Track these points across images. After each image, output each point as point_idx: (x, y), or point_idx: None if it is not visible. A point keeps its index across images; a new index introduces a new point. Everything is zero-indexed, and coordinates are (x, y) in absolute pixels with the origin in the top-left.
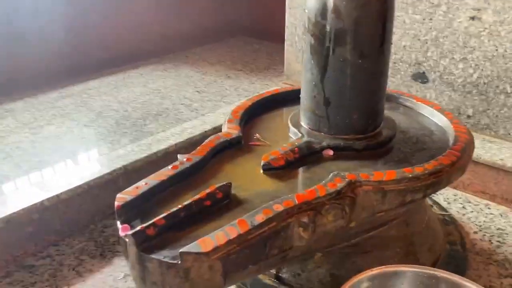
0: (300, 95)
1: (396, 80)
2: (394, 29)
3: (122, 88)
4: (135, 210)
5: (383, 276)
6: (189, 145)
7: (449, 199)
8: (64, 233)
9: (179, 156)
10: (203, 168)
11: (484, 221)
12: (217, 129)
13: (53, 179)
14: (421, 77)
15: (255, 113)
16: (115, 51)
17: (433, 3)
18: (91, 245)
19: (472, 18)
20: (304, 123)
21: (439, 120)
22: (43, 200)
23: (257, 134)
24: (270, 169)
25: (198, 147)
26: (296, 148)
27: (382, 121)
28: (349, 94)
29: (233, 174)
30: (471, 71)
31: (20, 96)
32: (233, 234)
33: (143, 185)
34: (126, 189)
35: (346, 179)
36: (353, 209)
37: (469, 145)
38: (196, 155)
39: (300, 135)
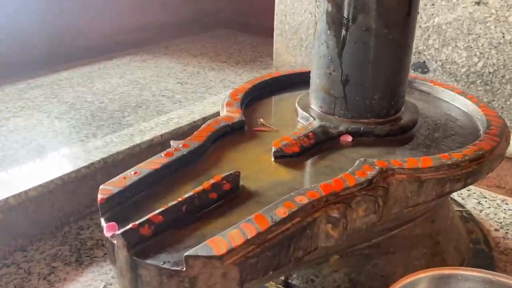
0: (311, 74)
1: None
2: None
3: (96, 79)
4: (123, 205)
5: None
6: (176, 136)
7: (463, 194)
8: (33, 236)
9: (172, 142)
10: (203, 155)
11: (504, 218)
12: (207, 119)
13: (20, 175)
14: (421, 67)
15: (256, 96)
16: (90, 41)
17: None
18: (65, 250)
19: (478, 3)
20: (315, 106)
21: (463, 104)
22: (7, 198)
23: (261, 119)
24: (282, 157)
25: (195, 132)
26: (310, 133)
27: (403, 103)
28: (371, 70)
29: (239, 162)
30: (475, 60)
31: None
32: (251, 233)
33: (131, 174)
34: (112, 180)
35: (377, 167)
36: (386, 201)
37: (505, 129)
38: (193, 141)
39: (311, 119)
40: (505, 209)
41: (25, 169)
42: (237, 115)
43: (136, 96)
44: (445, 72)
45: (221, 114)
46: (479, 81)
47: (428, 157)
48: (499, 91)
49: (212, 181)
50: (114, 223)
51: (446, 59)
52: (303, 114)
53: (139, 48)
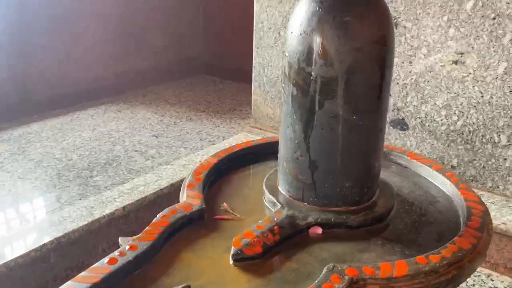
0: (279, 154)
1: None
2: None
3: (67, 132)
4: None
5: None
6: (140, 207)
7: None
8: None
9: (120, 240)
10: (153, 258)
11: None
12: (175, 186)
13: None
14: (400, 124)
15: (223, 171)
16: (64, 89)
17: (412, 45)
18: None
19: (455, 62)
20: (283, 189)
21: (442, 183)
22: None
23: (224, 203)
24: (243, 259)
25: (148, 227)
26: (276, 227)
27: (378, 186)
28: (340, 157)
29: (194, 266)
30: (455, 118)
31: None
32: None
33: None
34: None
35: (346, 277)
36: None
37: (487, 219)
38: (143, 240)
39: (279, 206)
40: (490, 287)
41: None
42: (197, 202)
43: (107, 151)
44: (425, 130)
45: (180, 199)
46: (460, 139)
47: (403, 261)
48: (480, 151)
49: None
50: None
51: (425, 117)
52: (270, 198)
53: (115, 97)
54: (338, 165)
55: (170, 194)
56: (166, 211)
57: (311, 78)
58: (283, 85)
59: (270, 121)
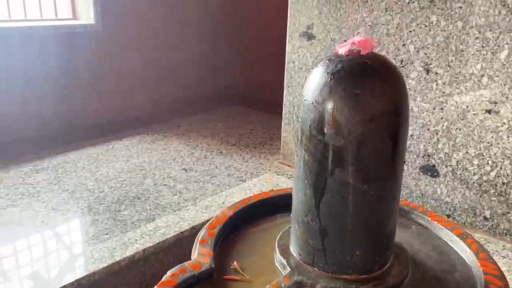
0: (291, 215)
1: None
2: None
3: (102, 163)
4: None
5: None
6: (160, 250)
7: None
8: None
9: None
10: None
11: None
12: (196, 229)
13: None
14: (430, 170)
15: (238, 225)
16: (101, 119)
17: (444, 92)
18: None
19: (489, 111)
20: (294, 252)
21: (461, 249)
22: None
23: (235, 262)
24: None
25: (156, 287)
26: None
27: (392, 254)
28: (351, 225)
29: None
30: (488, 168)
31: None
32: None
33: None
34: None
35: None
36: None
37: None
38: None
39: (289, 269)
40: None
41: None
42: (207, 261)
43: (137, 184)
44: (456, 178)
45: (192, 255)
46: (493, 190)
47: None
48: None
49: None
50: None
51: (457, 165)
52: (281, 260)
53: (151, 127)
54: (348, 232)
55: (191, 236)
56: (175, 269)
57: (322, 145)
58: (296, 148)
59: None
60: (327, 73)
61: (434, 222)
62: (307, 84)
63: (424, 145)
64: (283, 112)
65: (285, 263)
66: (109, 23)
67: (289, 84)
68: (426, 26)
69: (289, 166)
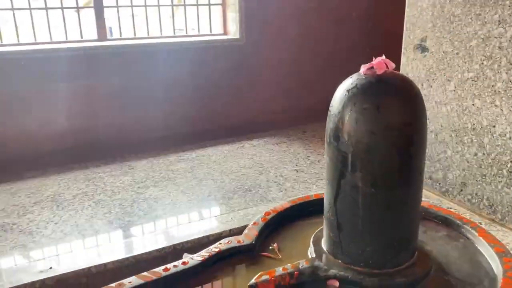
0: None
1: None
2: None
3: (231, 158)
4: None
5: None
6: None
7: None
8: None
9: (184, 256)
10: (198, 274)
11: None
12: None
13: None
14: None
15: (290, 217)
16: (238, 121)
17: None
18: None
19: None
20: (324, 244)
21: (496, 266)
22: (90, 267)
23: (275, 244)
24: None
25: (203, 251)
26: (296, 272)
27: (413, 257)
28: (361, 223)
29: None
30: None
31: (146, 155)
32: None
33: (126, 283)
34: (109, 285)
35: None
36: None
37: None
38: (195, 259)
39: (313, 255)
40: None
41: (125, 240)
42: (250, 239)
43: (252, 179)
44: None
45: (243, 233)
46: None
47: None
48: None
49: None
50: None
51: None
52: (311, 248)
53: (279, 130)
54: (359, 230)
55: None
56: (224, 240)
57: (337, 152)
58: (325, 153)
59: None
60: (345, 89)
61: (480, 237)
62: (333, 97)
63: None
64: None
65: (313, 251)
66: (251, 38)
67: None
68: None
69: None
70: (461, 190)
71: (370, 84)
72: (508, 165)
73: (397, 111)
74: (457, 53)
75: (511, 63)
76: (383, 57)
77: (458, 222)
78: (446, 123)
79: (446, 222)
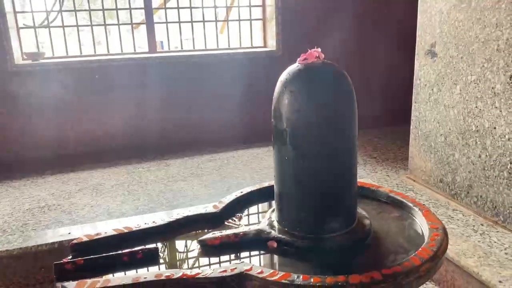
0: None
1: None
2: None
3: (257, 160)
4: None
5: None
6: None
7: None
8: None
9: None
10: (167, 233)
11: None
12: None
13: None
14: None
15: (264, 195)
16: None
17: None
18: None
19: None
20: (274, 212)
21: (425, 240)
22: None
23: (239, 214)
24: (203, 245)
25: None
26: (241, 233)
27: (349, 227)
28: (295, 191)
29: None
30: None
31: (182, 155)
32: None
33: (103, 233)
34: (88, 233)
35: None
36: None
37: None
38: (165, 220)
39: (263, 224)
40: None
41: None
42: (217, 209)
43: (271, 177)
44: None
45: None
46: None
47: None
48: None
49: (134, 248)
50: None
51: None
52: (265, 217)
53: None
54: (294, 197)
55: None
56: (193, 209)
57: (275, 128)
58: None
59: (422, 174)
60: (283, 75)
61: (423, 216)
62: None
63: None
64: (411, 127)
65: (265, 219)
66: (287, 49)
67: (415, 100)
68: None
69: (414, 181)
70: (468, 193)
71: (299, 71)
72: (508, 166)
73: (319, 92)
74: (461, 57)
75: (508, 65)
76: (317, 48)
77: (410, 204)
78: (454, 126)
79: (401, 205)
